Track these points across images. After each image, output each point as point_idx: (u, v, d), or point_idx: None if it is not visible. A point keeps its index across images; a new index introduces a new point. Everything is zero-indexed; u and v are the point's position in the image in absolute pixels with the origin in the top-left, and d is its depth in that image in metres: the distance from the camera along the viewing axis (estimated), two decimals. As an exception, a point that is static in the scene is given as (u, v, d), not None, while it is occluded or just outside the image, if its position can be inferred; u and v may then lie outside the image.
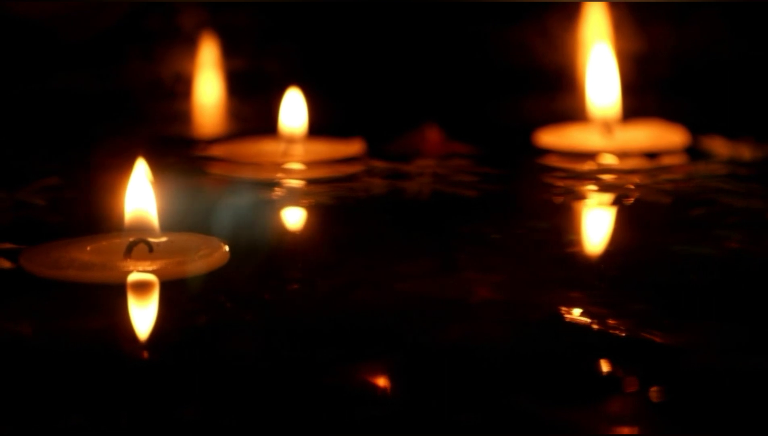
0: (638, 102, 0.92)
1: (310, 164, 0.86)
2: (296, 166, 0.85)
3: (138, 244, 0.62)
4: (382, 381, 0.51)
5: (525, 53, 1.12)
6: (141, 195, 0.63)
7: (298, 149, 0.87)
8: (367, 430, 0.47)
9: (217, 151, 0.90)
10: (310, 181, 0.82)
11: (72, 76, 1.14)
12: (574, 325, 0.56)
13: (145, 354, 0.54)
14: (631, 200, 0.75)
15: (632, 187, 0.78)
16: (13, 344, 0.55)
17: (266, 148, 0.89)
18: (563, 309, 0.58)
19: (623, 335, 0.55)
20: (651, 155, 0.86)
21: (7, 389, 0.50)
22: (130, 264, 0.61)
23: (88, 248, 0.64)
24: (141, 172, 0.63)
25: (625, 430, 0.47)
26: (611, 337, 0.54)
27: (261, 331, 0.57)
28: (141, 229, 0.63)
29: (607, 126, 0.89)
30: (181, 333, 0.56)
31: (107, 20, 1.13)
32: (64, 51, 1.15)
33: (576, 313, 0.58)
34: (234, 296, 0.60)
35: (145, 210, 0.63)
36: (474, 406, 0.48)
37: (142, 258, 0.62)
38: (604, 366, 0.52)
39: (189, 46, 1.21)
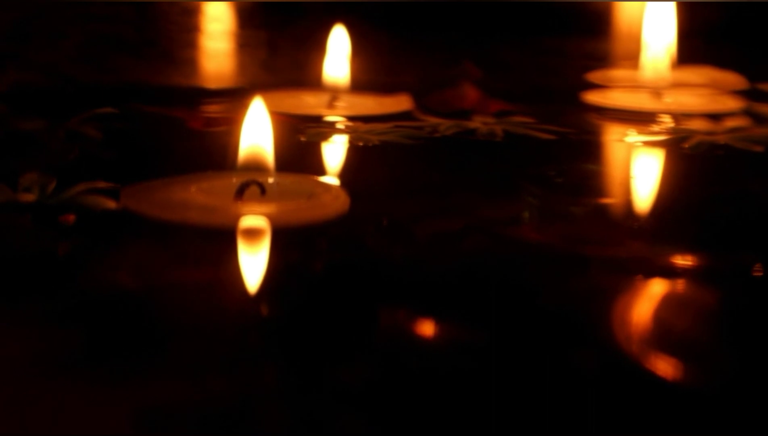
0: (686, 48, 0.90)
1: (360, 101, 0.82)
2: (343, 103, 0.82)
3: (250, 185, 0.59)
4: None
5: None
6: (257, 132, 0.59)
7: (346, 86, 0.83)
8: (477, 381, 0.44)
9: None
10: (369, 119, 0.78)
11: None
12: (693, 278, 0.55)
13: (266, 309, 0.51)
14: (720, 149, 0.74)
15: (719, 135, 0.76)
16: (120, 296, 0.51)
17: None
18: (676, 261, 0.57)
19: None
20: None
21: (140, 351, 0.46)
22: (251, 207, 0.58)
23: (193, 189, 0.60)
24: (258, 107, 0.59)
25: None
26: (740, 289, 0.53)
27: (380, 281, 0.54)
28: (254, 168, 0.60)
29: (659, 69, 0.87)
30: (295, 283, 0.53)
31: None
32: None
33: (689, 265, 0.56)
34: (337, 242, 0.57)
35: (261, 147, 0.59)
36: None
37: (255, 200, 0.58)
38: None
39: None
